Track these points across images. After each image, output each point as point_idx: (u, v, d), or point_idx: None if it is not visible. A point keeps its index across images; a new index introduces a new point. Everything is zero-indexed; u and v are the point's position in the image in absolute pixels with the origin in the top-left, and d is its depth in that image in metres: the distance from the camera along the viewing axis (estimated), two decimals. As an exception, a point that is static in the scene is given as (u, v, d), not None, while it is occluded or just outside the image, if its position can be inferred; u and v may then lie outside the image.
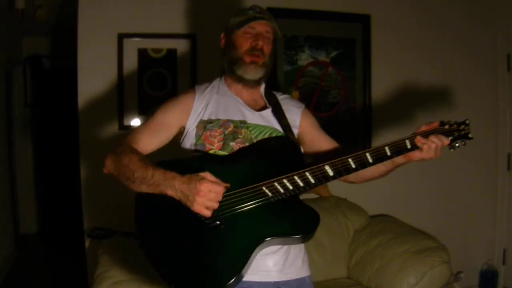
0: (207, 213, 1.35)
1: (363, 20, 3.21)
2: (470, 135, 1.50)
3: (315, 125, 1.74)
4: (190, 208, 1.35)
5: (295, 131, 1.68)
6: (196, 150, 1.57)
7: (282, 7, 3.01)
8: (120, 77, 2.82)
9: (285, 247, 1.55)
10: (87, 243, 2.77)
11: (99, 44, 2.78)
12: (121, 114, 2.85)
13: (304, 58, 3.10)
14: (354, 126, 3.21)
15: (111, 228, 2.60)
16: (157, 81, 2.89)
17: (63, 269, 4.38)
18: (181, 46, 2.89)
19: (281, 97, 1.73)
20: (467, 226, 3.50)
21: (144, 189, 1.42)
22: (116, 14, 2.79)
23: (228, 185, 1.39)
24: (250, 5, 1.68)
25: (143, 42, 2.84)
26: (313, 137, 1.71)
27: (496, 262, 3.58)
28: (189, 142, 1.60)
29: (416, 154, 1.45)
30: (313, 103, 3.11)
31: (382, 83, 3.27)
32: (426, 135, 1.45)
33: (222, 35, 1.70)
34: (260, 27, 1.62)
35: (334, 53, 3.16)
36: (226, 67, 1.67)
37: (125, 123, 2.86)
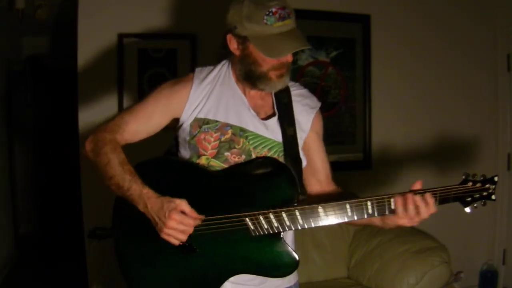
0: (175, 243, 1.30)
1: (363, 20, 3.21)
2: (493, 197, 1.30)
3: (319, 135, 1.54)
4: (159, 233, 1.31)
5: (303, 136, 1.49)
6: (189, 146, 1.46)
7: (282, 7, 3.01)
8: (120, 77, 2.82)
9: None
10: (87, 243, 2.77)
11: (99, 44, 2.78)
12: (121, 114, 2.84)
13: (304, 58, 3.09)
14: (354, 126, 3.22)
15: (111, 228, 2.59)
16: (157, 81, 2.86)
17: (63, 269, 4.38)
18: (181, 46, 2.89)
19: (296, 92, 1.51)
20: (467, 226, 3.50)
21: (118, 194, 1.38)
22: (116, 14, 2.78)
23: (203, 217, 1.31)
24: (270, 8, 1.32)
25: (143, 42, 2.84)
26: (310, 149, 1.51)
27: (496, 262, 3.58)
28: (183, 134, 1.47)
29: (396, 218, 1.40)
30: (313, 103, 3.11)
31: (382, 83, 3.27)
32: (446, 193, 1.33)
33: (230, 38, 1.41)
34: None
35: (334, 53, 3.16)
36: (242, 76, 1.43)
37: (125, 123, 2.85)
